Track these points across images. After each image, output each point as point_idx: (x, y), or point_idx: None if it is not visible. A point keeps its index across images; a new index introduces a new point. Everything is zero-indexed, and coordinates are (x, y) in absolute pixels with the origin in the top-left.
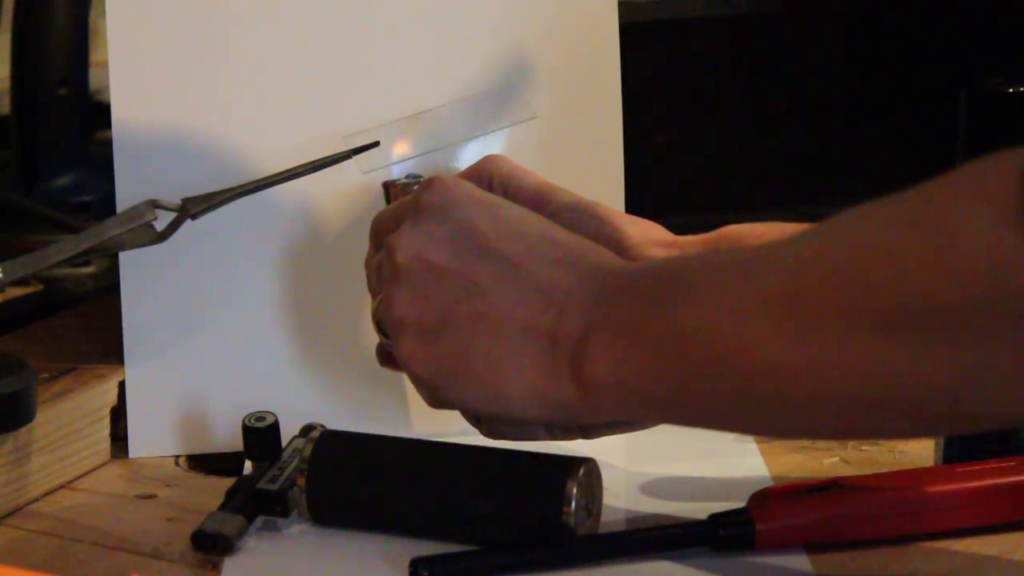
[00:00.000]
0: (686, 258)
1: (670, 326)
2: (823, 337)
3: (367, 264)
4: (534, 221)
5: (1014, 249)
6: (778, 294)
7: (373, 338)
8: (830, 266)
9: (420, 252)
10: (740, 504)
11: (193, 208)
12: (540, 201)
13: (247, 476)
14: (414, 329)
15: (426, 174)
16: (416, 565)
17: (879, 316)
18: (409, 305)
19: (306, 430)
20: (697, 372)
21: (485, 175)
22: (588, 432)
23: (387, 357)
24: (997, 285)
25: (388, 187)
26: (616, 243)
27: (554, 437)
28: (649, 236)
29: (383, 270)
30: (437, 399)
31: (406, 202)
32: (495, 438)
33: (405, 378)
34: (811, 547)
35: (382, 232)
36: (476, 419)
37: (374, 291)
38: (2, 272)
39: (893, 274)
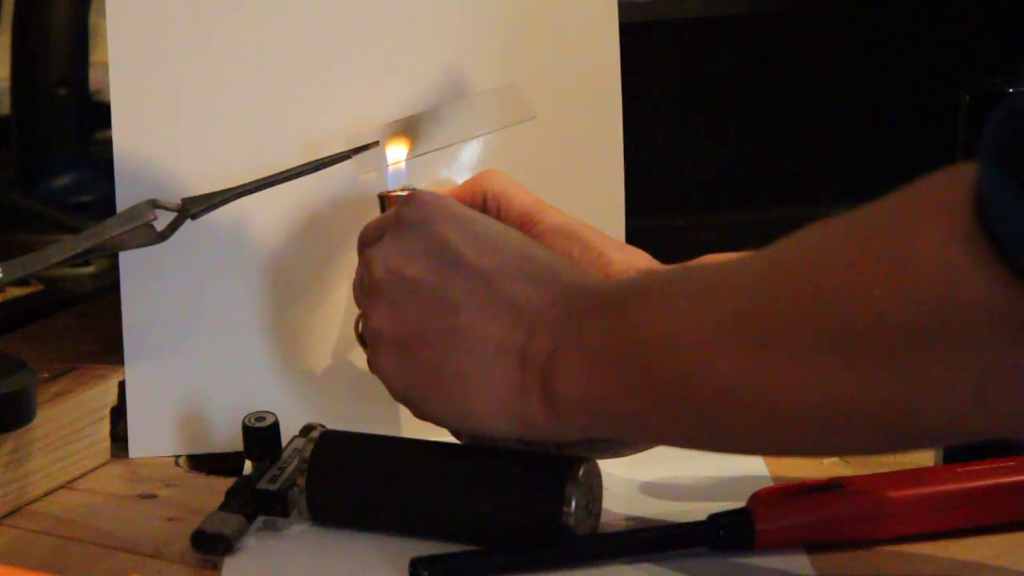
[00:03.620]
0: (651, 276)
1: (634, 342)
2: (779, 354)
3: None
4: (511, 238)
5: (965, 266)
6: (736, 311)
7: None
8: (785, 284)
9: (396, 267)
10: (740, 504)
11: (193, 208)
12: (528, 220)
13: (247, 476)
14: (390, 343)
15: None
16: (416, 565)
17: (834, 334)
18: (385, 319)
19: (306, 430)
20: (661, 389)
21: (480, 190)
22: (563, 451)
23: None
24: (949, 303)
25: (383, 198)
26: (599, 268)
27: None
28: (632, 263)
29: (363, 283)
30: (411, 410)
31: (388, 216)
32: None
33: None
34: (811, 547)
35: (366, 245)
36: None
37: (359, 303)
38: (2, 272)
39: (846, 292)
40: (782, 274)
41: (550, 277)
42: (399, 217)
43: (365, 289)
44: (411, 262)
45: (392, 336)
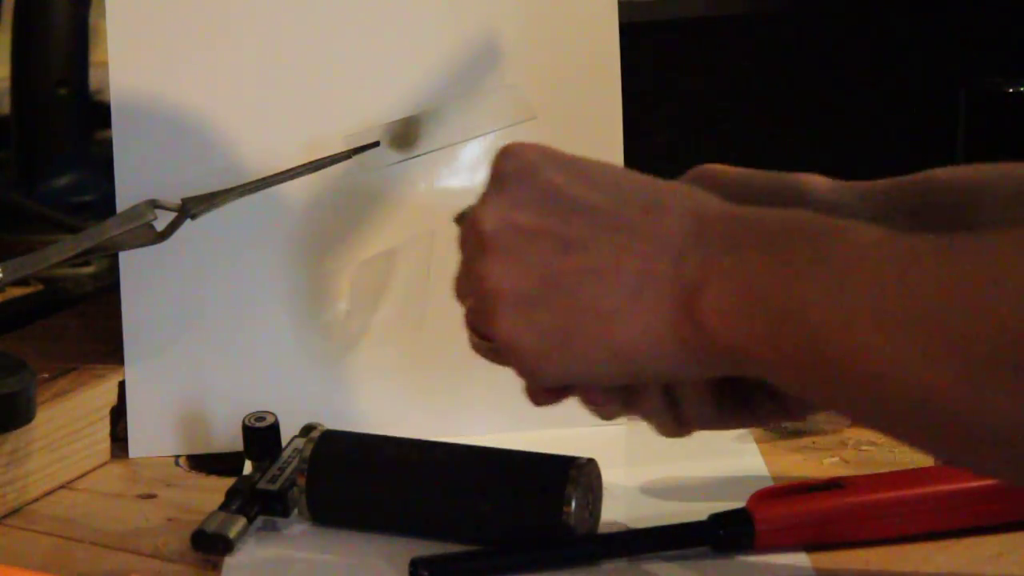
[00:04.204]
0: (832, 230)
1: (791, 299)
2: (943, 362)
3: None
4: (620, 171)
5: None
6: (896, 309)
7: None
8: (963, 296)
9: (508, 217)
10: (740, 504)
11: (193, 208)
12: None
13: (247, 476)
14: (513, 299)
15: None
16: (416, 565)
17: (1000, 350)
18: (504, 275)
19: (306, 430)
20: (802, 351)
21: None
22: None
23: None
24: None
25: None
26: (793, 185)
27: (663, 412)
28: (822, 181)
29: (467, 247)
30: (544, 373)
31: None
32: (603, 413)
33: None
34: (811, 547)
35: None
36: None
37: (463, 295)
38: (2, 272)
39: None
40: (961, 285)
41: (678, 202)
42: (498, 172)
43: (472, 252)
44: (522, 211)
45: (515, 291)
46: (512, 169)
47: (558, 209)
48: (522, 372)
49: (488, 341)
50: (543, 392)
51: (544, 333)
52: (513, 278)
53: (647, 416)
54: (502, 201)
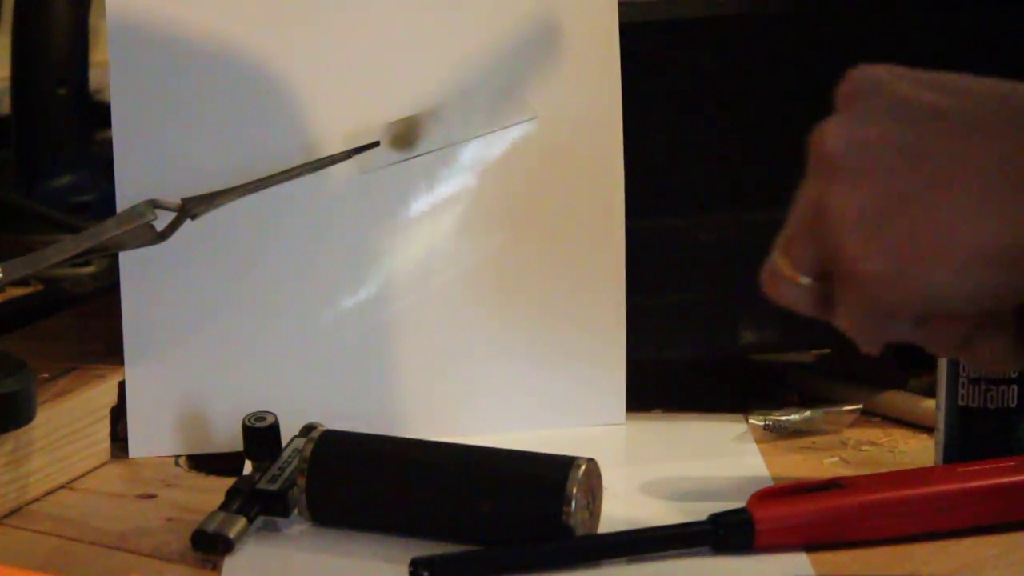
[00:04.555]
0: None
1: None
2: None
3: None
4: (973, 76)
5: None
6: None
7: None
8: None
9: (852, 134)
10: (740, 504)
11: (193, 208)
12: None
13: (247, 476)
14: (858, 220)
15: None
16: (416, 565)
17: None
18: (849, 195)
19: (306, 430)
20: None
21: None
22: None
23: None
24: None
25: None
26: None
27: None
28: None
29: (809, 173)
30: (893, 300)
31: None
32: (938, 351)
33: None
34: (811, 547)
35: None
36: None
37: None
38: (2, 272)
39: None
40: None
41: None
42: (843, 93)
43: (813, 178)
44: (870, 126)
45: (860, 212)
46: (857, 88)
47: (905, 119)
48: (864, 305)
49: (812, 280)
50: (883, 331)
51: (895, 253)
52: (858, 198)
53: (992, 344)
54: (846, 119)
